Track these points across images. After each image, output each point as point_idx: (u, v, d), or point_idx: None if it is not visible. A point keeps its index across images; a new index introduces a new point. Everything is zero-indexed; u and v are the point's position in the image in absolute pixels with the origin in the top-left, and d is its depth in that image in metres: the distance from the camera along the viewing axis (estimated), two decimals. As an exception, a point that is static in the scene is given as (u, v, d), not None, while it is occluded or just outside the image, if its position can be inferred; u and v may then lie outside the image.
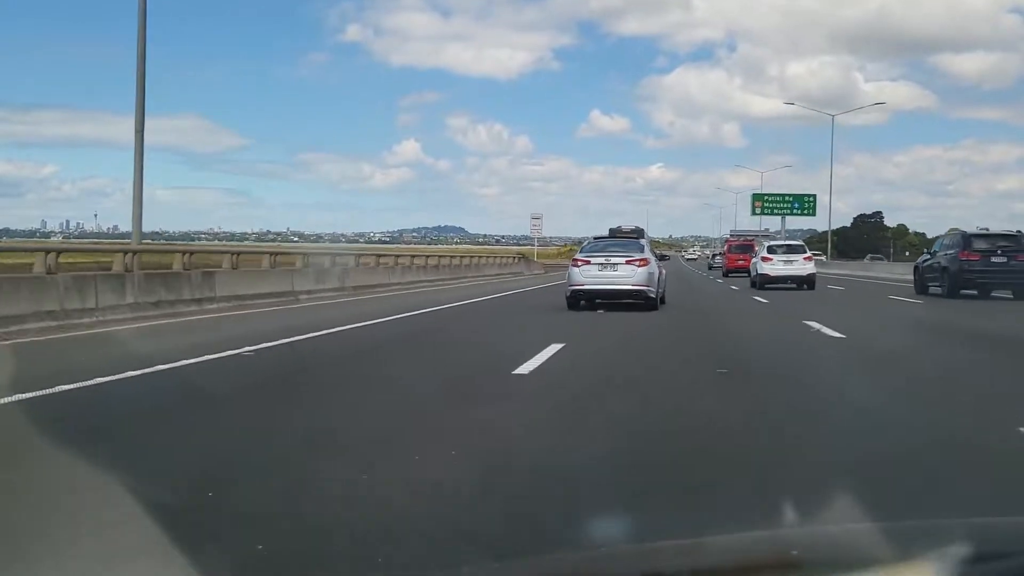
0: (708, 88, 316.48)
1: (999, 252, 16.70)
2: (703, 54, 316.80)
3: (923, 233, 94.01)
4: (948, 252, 17.59)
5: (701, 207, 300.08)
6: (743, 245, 34.91)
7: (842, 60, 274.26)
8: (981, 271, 16.57)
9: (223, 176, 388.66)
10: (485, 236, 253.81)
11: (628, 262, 13.04)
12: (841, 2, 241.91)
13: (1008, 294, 16.75)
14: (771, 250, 22.98)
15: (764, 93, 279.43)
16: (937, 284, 17.74)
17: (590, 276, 13.13)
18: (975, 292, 17.02)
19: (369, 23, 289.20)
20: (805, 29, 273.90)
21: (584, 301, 13.20)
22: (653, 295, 13.09)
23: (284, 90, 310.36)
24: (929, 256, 19.20)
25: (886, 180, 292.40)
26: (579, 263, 13.35)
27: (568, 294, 13.34)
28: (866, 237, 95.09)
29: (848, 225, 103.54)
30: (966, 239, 17.38)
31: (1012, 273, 16.40)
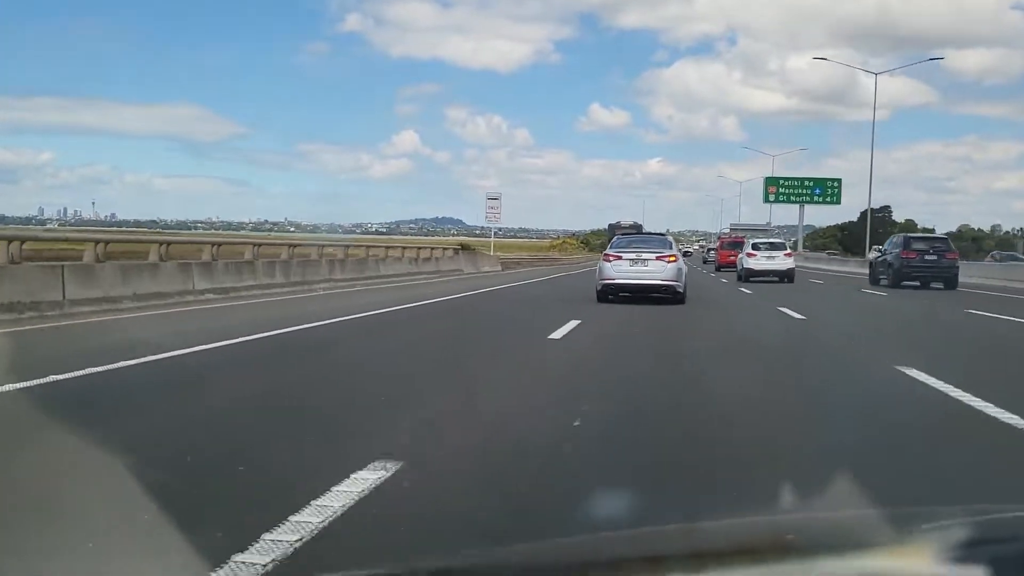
0: (708, 82, 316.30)
1: (931, 251, 20.49)
2: (703, 48, 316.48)
3: (932, 228, 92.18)
4: (894, 251, 21.26)
5: (700, 201, 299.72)
6: (734, 242, 37.60)
7: (843, 55, 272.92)
8: (917, 266, 20.26)
9: (222, 165, 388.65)
10: (483, 228, 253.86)
11: (658, 258, 13.63)
12: None
13: (940, 285, 20.08)
14: (755, 247, 24.86)
15: (764, 87, 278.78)
16: (885, 277, 21.30)
17: (621, 271, 13.69)
18: (917, 283, 20.29)
19: (369, 13, 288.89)
20: (806, 24, 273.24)
21: (612, 295, 13.75)
22: (681, 290, 13.70)
23: (284, 79, 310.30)
24: (880, 254, 23.11)
25: (886, 177, 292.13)
26: (610, 258, 13.90)
27: (599, 287, 13.93)
28: (880, 232, 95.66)
29: (855, 220, 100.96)
30: (906, 240, 21.28)
31: (941, 268, 20.10)
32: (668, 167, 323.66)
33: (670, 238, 15.41)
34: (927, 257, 20.31)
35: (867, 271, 25.18)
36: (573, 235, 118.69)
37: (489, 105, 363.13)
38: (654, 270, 13.54)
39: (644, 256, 13.64)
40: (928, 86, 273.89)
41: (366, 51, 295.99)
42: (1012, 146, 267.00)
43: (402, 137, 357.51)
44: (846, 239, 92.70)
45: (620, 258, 13.79)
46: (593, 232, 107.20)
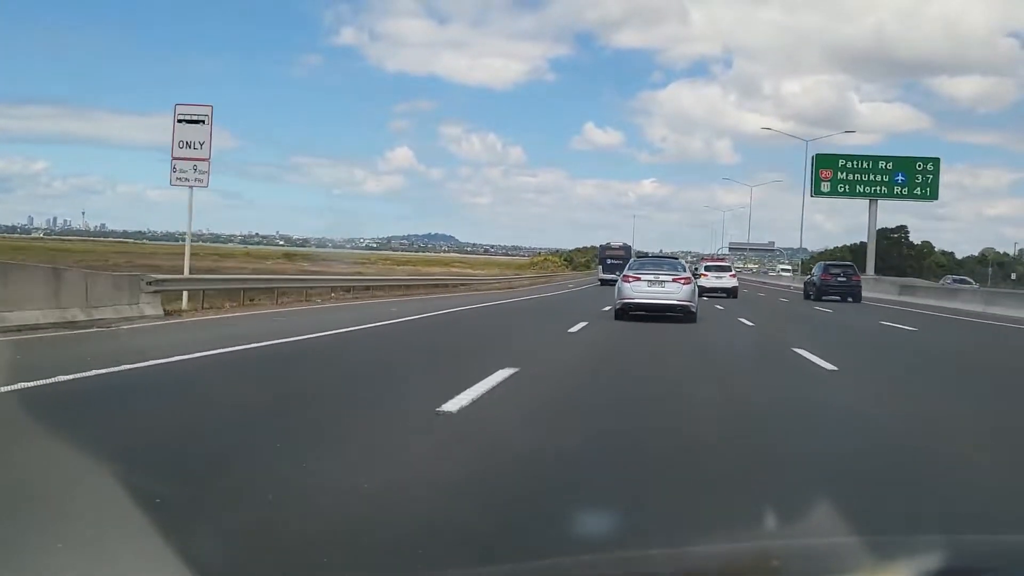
0: (702, 104, 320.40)
1: (842, 275, 28.22)
2: (698, 69, 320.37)
3: (951, 252, 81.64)
4: (817, 274, 29.54)
5: (693, 223, 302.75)
6: (718, 265, 43.85)
7: (838, 80, 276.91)
8: (832, 286, 27.76)
9: (215, 177, 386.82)
10: (474, 245, 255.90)
11: (674, 280, 14.86)
12: (839, 22, 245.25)
13: (850, 300, 26.96)
14: (707, 268, 31.18)
15: (759, 110, 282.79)
16: (811, 293, 28.76)
17: (640, 291, 14.80)
18: (837, 297, 27.10)
19: (364, 27, 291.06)
20: (801, 48, 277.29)
21: (631, 312, 14.79)
22: (694, 309, 14.92)
23: (278, 91, 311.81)
24: (810, 276, 31.86)
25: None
26: (629, 279, 15.10)
27: (619, 306, 14.98)
28: (895, 255, 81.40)
29: (865, 240, 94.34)
30: (825, 267, 29.66)
31: (850, 287, 27.55)
32: (662, 188, 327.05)
33: (683, 261, 16.81)
34: (839, 279, 27.90)
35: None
36: (556, 252, 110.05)
37: (483, 122, 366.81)
38: (670, 291, 14.66)
39: (662, 278, 14.78)
40: (922, 113, 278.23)
41: (361, 65, 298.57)
42: (1003, 174, 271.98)
43: (396, 152, 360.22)
44: (857, 260, 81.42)
45: (639, 279, 14.90)
46: (578, 249, 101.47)
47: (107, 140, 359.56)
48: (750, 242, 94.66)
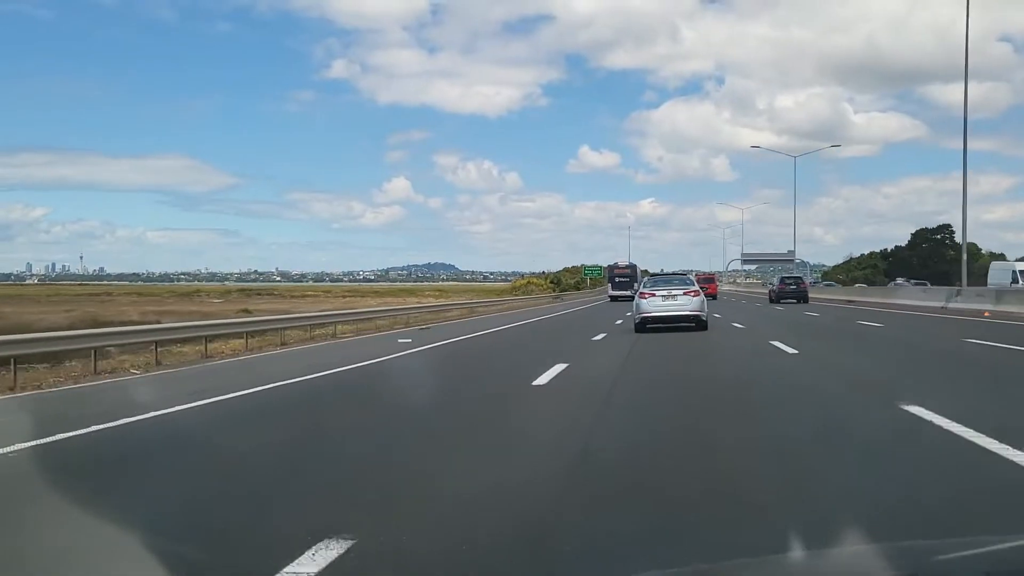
0: (697, 122, 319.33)
1: (793, 283, 40.67)
2: (692, 87, 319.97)
3: (1002, 254, 66.12)
4: (775, 283, 43.62)
5: (695, 241, 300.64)
6: (707, 279, 50.43)
7: (831, 91, 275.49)
8: (785, 291, 39.08)
9: (213, 216, 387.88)
10: (474, 273, 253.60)
11: (685, 293, 16.47)
12: (830, 34, 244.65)
13: (801, 301, 37.03)
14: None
15: (753, 125, 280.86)
16: (773, 297, 39.79)
17: (656, 305, 16.29)
18: (793, 300, 37.26)
19: (355, 59, 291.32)
20: (794, 61, 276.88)
21: (649, 325, 16.26)
22: (704, 318, 16.50)
23: (272, 128, 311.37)
24: (772, 285, 44.48)
25: (876, 212, 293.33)
26: (645, 296, 16.61)
27: (638, 320, 16.49)
28: (933, 261, 70.95)
29: (904, 244, 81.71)
30: (781, 279, 43.45)
31: (799, 292, 38.54)
32: (660, 207, 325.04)
33: (691, 276, 18.16)
34: (790, 287, 39.90)
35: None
36: (542, 274, 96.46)
37: (479, 150, 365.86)
38: (683, 303, 16.21)
39: (674, 292, 16.37)
40: (918, 121, 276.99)
41: (354, 98, 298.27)
42: (1001, 179, 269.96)
43: (393, 184, 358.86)
44: (891, 267, 75.57)
45: (654, 295, 16.42)
46: (567, 269, 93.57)
47: (103, 184, 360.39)
48: (764, 253, 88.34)
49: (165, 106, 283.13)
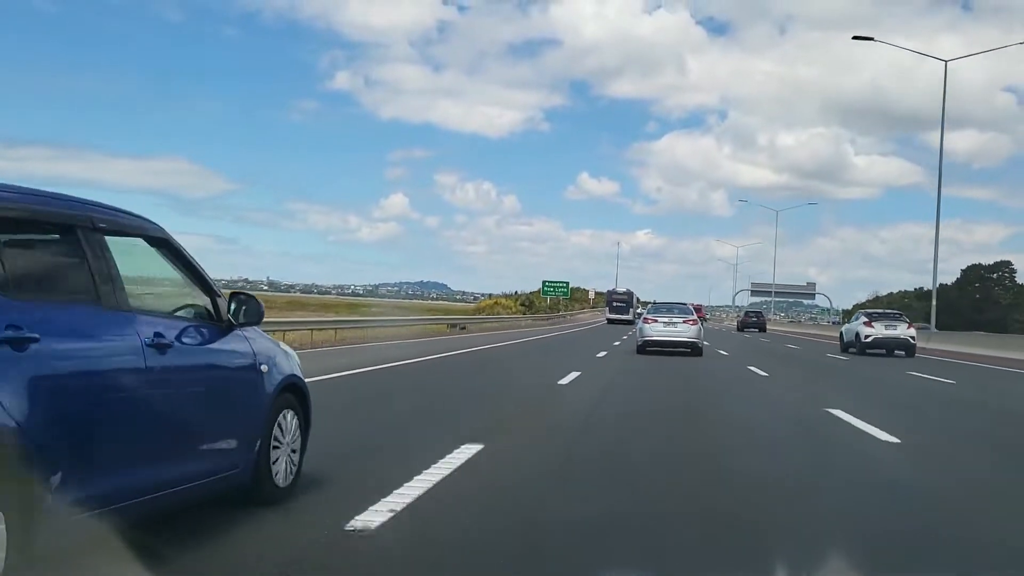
0: (698, 155, 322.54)
1: (754, 317, 57.23)
2: (694, 120, 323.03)
3: None
4: (741, 317, 60.83)
5: (691, 274, 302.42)
6: (697, 307, 54.20)
7: (834, 132, 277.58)
8: (749, 323, 54.92)
9: (211, 222, 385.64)
10: (464, 293, 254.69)
11: (685, 321, 18.49)
12: (835, 74, 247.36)
13: (760, 331, 52.08)
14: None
15: (754, 162, 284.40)
16: (743, 330, 52.60)
17: (657, 331, 18.37)
18: (755, 329, 52.52)
19: (359, 72, 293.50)
20: (798, 100, 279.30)
21: (649, 348, 18.30)
22: (700, 346, 18.54)
23: (273, 136, 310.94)
24: (739, 317, 63.69)
25: (871, 256, 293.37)
26: (648, 321, 18.75)
27: (640, 342, 18.59)
28: (978, 298, 60.64)
29: (951, 283, 67.95)
30: (745, 312, 60.82)
31: (759, 323, 54.44)
32: (656, 239, 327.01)
33: (691, 306, 20.53)
34: (752, 319, 54.04)
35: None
36: (514, 294, 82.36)
37: (478, 171, 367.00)
38: (682, 331, 18.21)
39: (675, 320, 18.37)
40: (918, 167, 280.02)
41: (356, 111, 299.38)
42: (997, 229, 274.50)
43: (391, 200, 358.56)
44: (926, 308, 57.31)
45: (656, 321, 18.51)
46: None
47: (102, 183, 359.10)
48: (786, 283, 77.29)
49: (166, 107, 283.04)
